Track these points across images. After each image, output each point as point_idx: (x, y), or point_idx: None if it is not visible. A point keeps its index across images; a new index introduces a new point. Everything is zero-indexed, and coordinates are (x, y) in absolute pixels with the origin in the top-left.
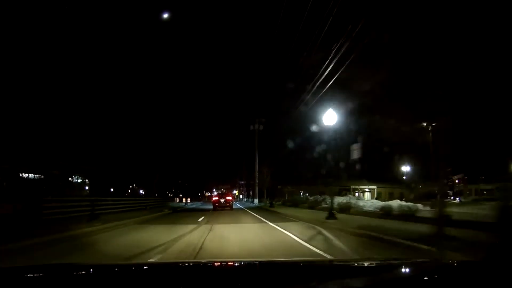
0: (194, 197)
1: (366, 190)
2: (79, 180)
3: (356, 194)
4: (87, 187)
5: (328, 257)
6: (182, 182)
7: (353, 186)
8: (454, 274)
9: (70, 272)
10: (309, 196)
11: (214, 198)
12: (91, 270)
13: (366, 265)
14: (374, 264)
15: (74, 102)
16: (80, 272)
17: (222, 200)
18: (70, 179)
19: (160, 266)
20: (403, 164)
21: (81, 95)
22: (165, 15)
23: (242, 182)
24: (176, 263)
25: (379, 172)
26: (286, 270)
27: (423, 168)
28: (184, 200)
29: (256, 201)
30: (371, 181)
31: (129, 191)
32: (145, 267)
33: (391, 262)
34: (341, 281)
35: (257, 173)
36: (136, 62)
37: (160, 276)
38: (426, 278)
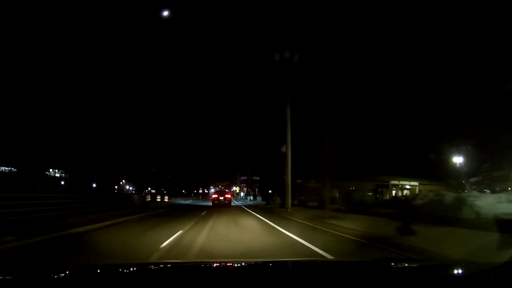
0: (183, 194)
1: (407, 186)
2: (58, 175)
3: (393, 191)
4: (62, 182)
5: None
6: (159, 172)
7: (393, 182)
8: (458, 275)
9: (69, 272)
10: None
11: (213, 196)
12: (91, 270)
13: (367, 265)
14: (376, 265)
15: (54, 91)
16: (80, 272)
17: (221, 198)
18: (47, 173)
19: (160, 266)
20: (454, 154)
21: (61, 83)
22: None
23: (244, 178)
24: (176, 263)
25: (418, 165)
26: (287, 271)
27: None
28: (159, 197)
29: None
30: (409, 176)
31: (116, 187)
32: (144, 267)
33: (391, 262)
34: (342, 280)
35: (289, 144)
36: (122, 48)
37: (160, 276)
38: (426, 278)
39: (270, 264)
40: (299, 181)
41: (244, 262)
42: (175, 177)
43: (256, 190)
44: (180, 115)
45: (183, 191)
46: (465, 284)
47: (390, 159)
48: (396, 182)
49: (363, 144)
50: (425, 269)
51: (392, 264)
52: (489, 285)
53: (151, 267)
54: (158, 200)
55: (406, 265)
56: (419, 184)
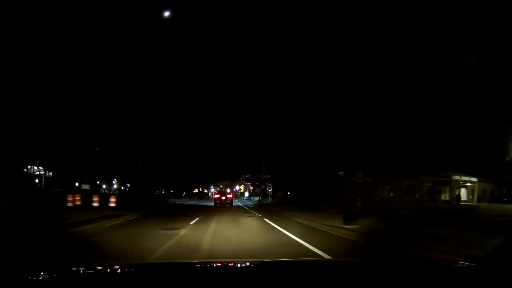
0: (180, 194)
1: (468, 184)
2: (40, 172)
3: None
4: (36, 180)
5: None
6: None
7: (455, 178)
8: (447, 275)
9: (70, 273)
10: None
11: (215, 196)
12: (91, 270)
13: (365, 265)
14: (373, 264)
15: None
16: (80, 272)
17: (223, 198)
18: (25, 170)
19: (160, 266)
20: None
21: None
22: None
23: (248, 176)
24: (177, 263)
25: (475, 159)
26: (288, 271)
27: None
28: (96, 201)
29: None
30: (465, 172)
31: (104, 186)
32: (144, 267)
33: (389, 261)
34: (341, 280)
35: None
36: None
37: (160, 276)
38: (423, 277)
39: (271, 265)
40: (340, 173)
41: (245, 262)
42: (164, 174)
43: (269, 189)
44: (176, 108)
45: (183, 191)
46: (463, 283)
47: (448, 150)
48: (457, 177)
49: (417, 129)
50: (422, 270)
51: (389, 264)
52: (489, 284)
53: (151, 267)
54: (95, 205)
55: (404, 265)
56: (478, 181)
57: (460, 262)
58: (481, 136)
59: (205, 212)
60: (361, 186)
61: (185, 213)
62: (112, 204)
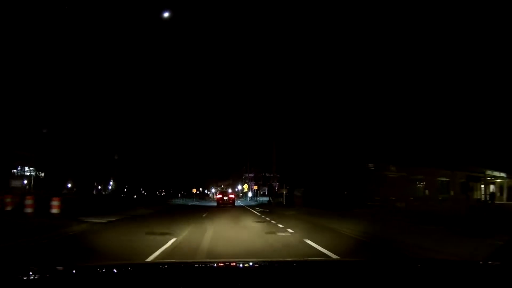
0: (178, 194)
1: (498, 180)
2: (30, 173)
3: (482, 186)
4: (25, 181)
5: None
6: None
7: (488, 173)
8: (459, 273)
9: (69, 273)
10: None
11: (218, 196)
12: (91, 270)
13: (371, 264)
14: (379, 263)
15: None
16: (80, 272)
17: (226, 198)
18: (14, 170)
19: (160, 266)
20: None
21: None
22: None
23: (251, 175)
24: (177, 263)
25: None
26: (291, 271)
27: None
28: (29, 205)
29: None
30: (492, 167)
31: (100, 187)
32: (145, 267)
33: (395, 261)
34: (347, 280)
35: None
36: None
37: (161, 276)
38: (427, 277)
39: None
40: (371, 166)
41: (248, 262)
42: (163, 174)
43: (276, 187)
44: (175, 106)
45: (183, 192)
46: (471, 283)
47: (474, 143)
48: (490, 173)
49: (454, 120)
50: (430, 269)
51: (394, 263)
52: (492, 284)
53: (153, 267)
54: (28, 210)
55: (407, 264)
56: (507, 177)
57: (481, 262)
58: (497, 129)
59: (196, 222)
60: (394, 182)
61: (166, 223)
62: (55, 210)
